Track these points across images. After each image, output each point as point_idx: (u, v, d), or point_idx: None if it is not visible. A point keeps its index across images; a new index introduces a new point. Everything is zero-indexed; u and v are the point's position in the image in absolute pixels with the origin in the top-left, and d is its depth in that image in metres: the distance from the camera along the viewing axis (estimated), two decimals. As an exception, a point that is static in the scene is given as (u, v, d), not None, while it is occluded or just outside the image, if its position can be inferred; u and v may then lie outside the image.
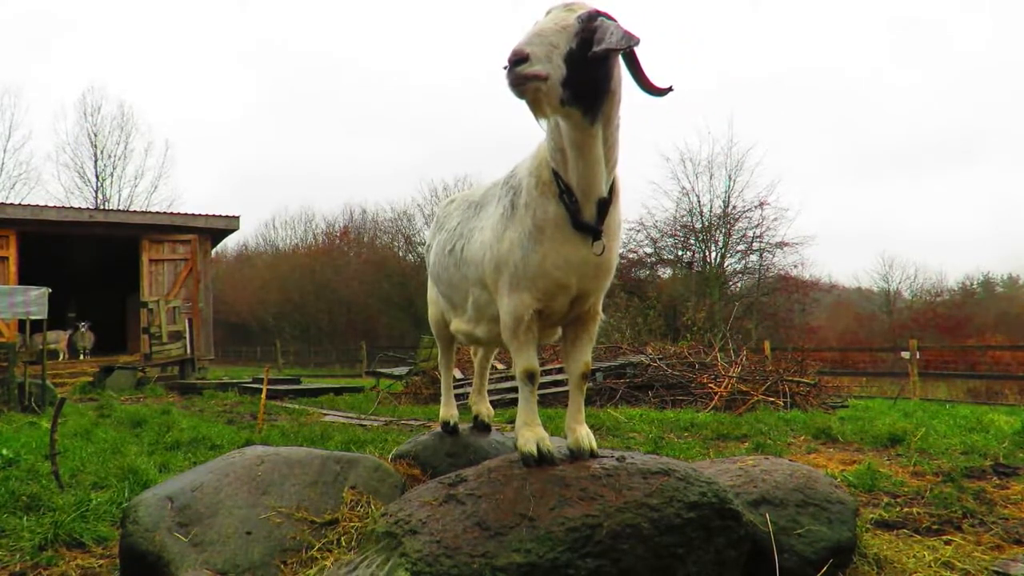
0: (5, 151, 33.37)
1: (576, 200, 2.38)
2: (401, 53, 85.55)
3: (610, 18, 2.17)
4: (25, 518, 3.52)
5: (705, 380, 10.25)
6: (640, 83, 2.29)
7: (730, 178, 26.08)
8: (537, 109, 2.15)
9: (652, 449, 5.71)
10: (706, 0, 79.26)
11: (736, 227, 26.28)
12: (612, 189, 2.44)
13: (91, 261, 21.27)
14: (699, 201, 26.48)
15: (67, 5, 63.52)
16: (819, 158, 67.01)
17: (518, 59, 2.06)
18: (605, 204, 2.40)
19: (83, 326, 19.56)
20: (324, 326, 37.85)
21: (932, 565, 2.76)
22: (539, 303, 2.52)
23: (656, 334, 19.08)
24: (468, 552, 2.12)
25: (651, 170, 48.37)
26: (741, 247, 26.55)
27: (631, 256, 26.64)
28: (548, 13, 2.22)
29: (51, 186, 59.51)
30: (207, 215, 19.82)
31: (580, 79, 2.12)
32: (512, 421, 5.27)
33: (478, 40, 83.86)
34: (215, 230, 20.05)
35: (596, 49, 2.09)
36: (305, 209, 56.58)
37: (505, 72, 2.08)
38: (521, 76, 2.06)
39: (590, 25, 2.13)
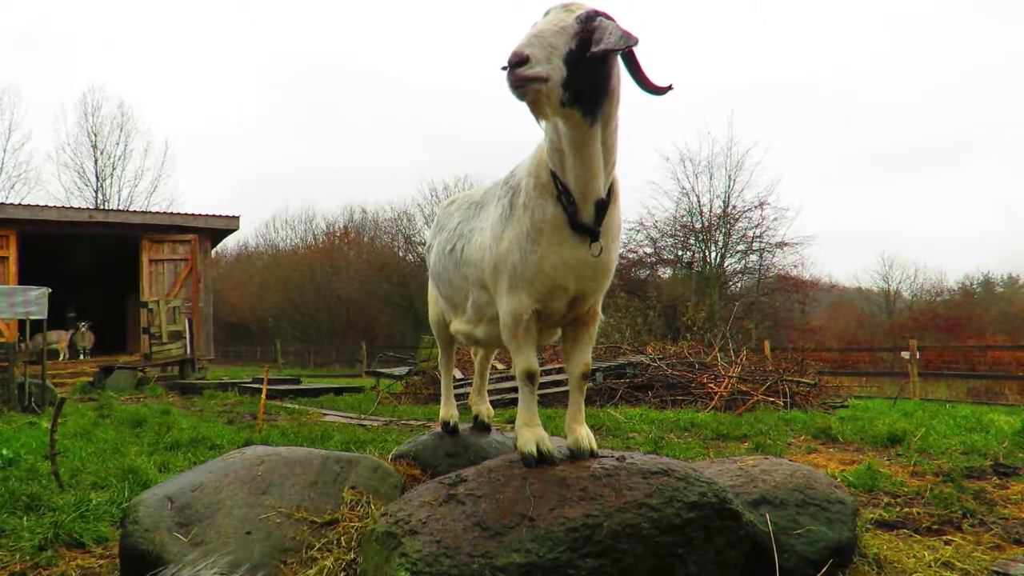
0: (5, 151, 33.37)
1: (574, 201, 2.37)
2: (401, 53, 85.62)
3: (609, 18, 2.17)
4: (25, 518, 3.52)
5: (705, 380, 10.26)
6: (639, 82, 2.29)
7: (730, 178, 26.08)
8: (538, 110, 2.15)
9: (652, 449, 5.71)
10: (706, 0, 79.30)
11: (736, 227, 26.28)
12: (611, 190, 2.43)
13: (91, 261, 21.25)
14: (699, 201, 26.50)
15: (68, 5, 63.54)
16: (819, 158, 67.13)
17: (518, 61, 2.06)
18: (603, 205, 2.39)
19: (83, 326, 19.56)
20: (324, 326, 37.82)
21: (932, 565, 2.76)
22: (537, 304, 2.52)
23: (656, 334, 19.09)
24: (468, 552, 2.12)
25: (651, 170, 48.51)
26: (741, 247, 26.56)
27: (631, 256, 26.66)
28: (547, 14, 2.21)
29: (51, 186, 59.50)
30: (207, 215, 19.82)
31: (580, 80, 2.12)
32: (512, 421, 5.27)
33: (478, 40, 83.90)
34: (215, 230, 20.05)
35: (595, 49, 2.09)
36: (305, 209, 56.72)
37: (505, 74, 2.08)
38: (521, 78, 2.06)
39: (589, 26, 2.13)
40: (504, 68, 2.08)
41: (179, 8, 73.78)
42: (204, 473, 2.86)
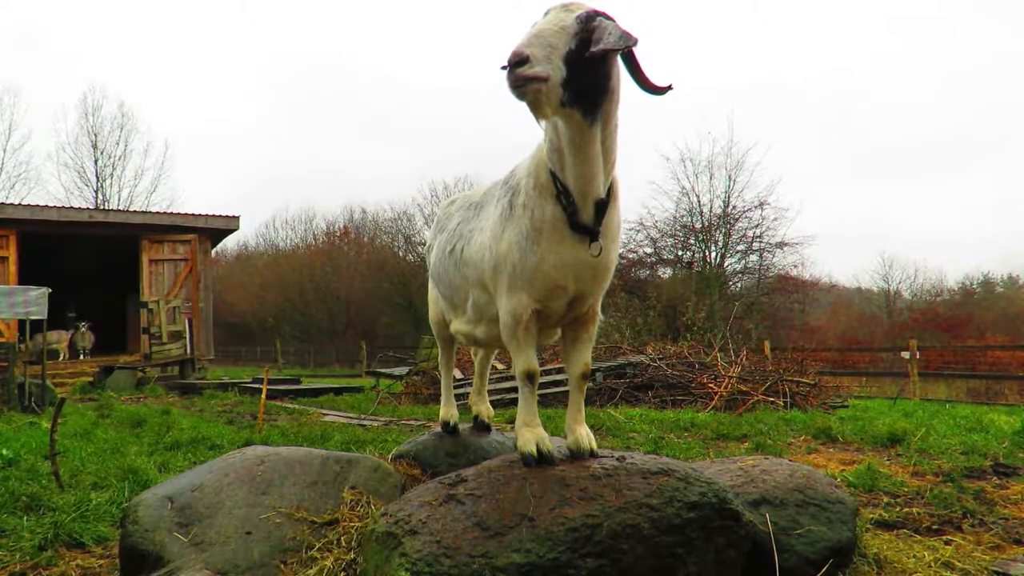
0: (5, 151, 33.39)
1: (574, 201, 2.37)
2: (401, 53, 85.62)
3: (608, 18, 2.17)
4: (25, 518, 3.52)
5: (705, 380, 10.26)
6: (639, 82, 2.29)
7: (730, 178, 26.06)
8: (537, 110, 2.15)
9: (652, 449, 5.72)
10: (706, 0, 79.34)
11: (736, 227, 26.26)
12: (611, 190, 2.43)
13: (91, 261, 21.26)
14: (699, 201, 26.47)
15: (69, 5, 63.56)
16: (819, 158, 67.15)
17: (518, 60, 2.06)
18: (603, 205, 2.39)
19: (83, 326, 19.56)
20: (324, 326, 37.80)
21: (932, 565, 2.76)
22: (537, 304, 2.52)
23: (656, 334, 19.07)
24: (468, 552, 2.12)
25: (651, 170, 48.47)
26: (741, 247, 26.54)
27: (631, 256, 26.63)
28: (547, 14, 2.21)
29: (51, 186, 59.61)
30: (207, 215, 19.81)
31: (580, 80, 2.12)
32: (512, 421, 5.27)
33: (478, 41, 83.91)
34: (215, 230, 20.05)
35: (594, 49, 2.09)
36: (305, 209, 56.69)
37: (505, 73, 2.08)
38: (521, 77, 2.06)
39: (589, 25, 2.13)
40: (504, 68, 2.08)
41: (179, 8, 73.81)
42: (204, 473, 2.86)
